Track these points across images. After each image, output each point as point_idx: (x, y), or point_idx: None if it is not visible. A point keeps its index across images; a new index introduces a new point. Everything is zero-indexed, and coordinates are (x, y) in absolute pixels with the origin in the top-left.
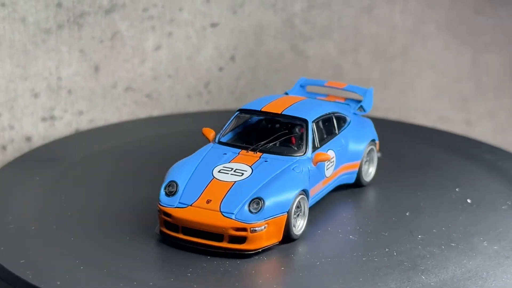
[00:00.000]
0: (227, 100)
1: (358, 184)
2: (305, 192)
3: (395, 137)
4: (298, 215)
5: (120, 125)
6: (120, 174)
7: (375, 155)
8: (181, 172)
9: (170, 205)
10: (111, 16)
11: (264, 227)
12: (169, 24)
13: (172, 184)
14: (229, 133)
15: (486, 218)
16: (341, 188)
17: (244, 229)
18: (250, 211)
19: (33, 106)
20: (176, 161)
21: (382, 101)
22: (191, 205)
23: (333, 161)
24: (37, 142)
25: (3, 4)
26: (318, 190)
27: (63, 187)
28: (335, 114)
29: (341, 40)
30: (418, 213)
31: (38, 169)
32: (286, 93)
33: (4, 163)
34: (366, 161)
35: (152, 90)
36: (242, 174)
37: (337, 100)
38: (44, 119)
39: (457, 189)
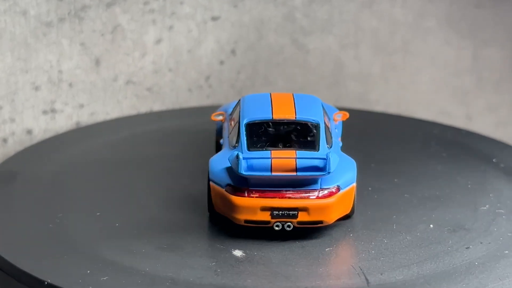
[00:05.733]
0: (228, 93)
1: None
2: None
3: (396, 131)
4: None
5: (122, 119)
6: (122, 168)
7: None
8: None
9: None
10: (112, 10)
11: None
12: (170, 18)
13: None
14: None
15: (471, 174)
16: None
17: None
18: None
19: (34, 99)
20: (175, 157)
21: (382, 95)
22: None
23: None
24: (38, 135)
25: None
26: None
27: (65, 180)
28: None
29: (342, 34)
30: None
31: (39, 162)
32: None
33: (5, 155)
34: None
35: (153, 83)
36: None
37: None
38: (45, 112)
39: (457, 179)
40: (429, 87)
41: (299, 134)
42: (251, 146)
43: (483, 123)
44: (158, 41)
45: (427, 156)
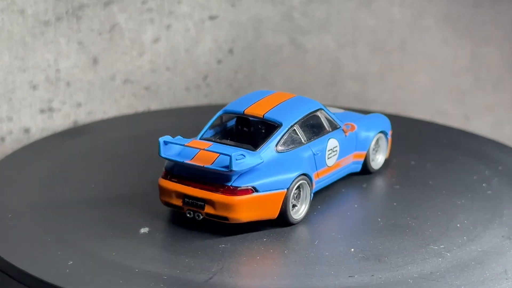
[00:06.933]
0: (226, 93)
1: None
2: None
3: (393, 131)
4: None
5: (119, 118)
6: (119, 167)
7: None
8: None
9: None
10: (110, 9)
11: None
12: (168, 17)
13: None
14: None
15: (484, 210)
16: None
17: None
18: None
19: (31, 98)
20: None
21: (380, 94)
22: None
23: None
24: (35, 133)
25: None
26: None
27: (62, 179)
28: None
29: (340, 33)
30: (418, 207)
31: (37, 160)
32: None
33: (3, 154)
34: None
35: (150, 82)
36: None
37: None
38: (42, 111)
39: (410, 154)
40: (427, 87)
41: (259, 132)
42: (206, 134)
43: (481, 123)
44: (156, 40)
45: (467, 187)
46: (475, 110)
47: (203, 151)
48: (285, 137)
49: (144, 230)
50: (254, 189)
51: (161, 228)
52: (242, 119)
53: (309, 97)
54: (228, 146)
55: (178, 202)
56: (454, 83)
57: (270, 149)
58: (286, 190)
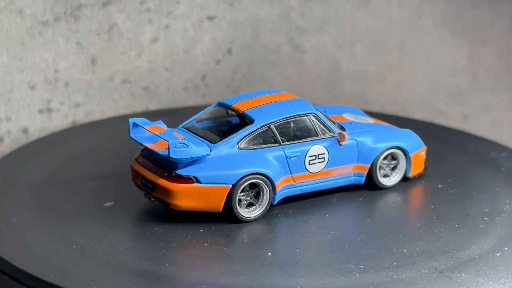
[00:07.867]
0: (224, 93)
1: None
2: None
3: (469, 152)
4: None
5: (117, 118)
6: (118, 166)
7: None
8: None
9: None
10: (108, 9)
11: None
12: (166, 17)
13: None
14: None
15: (450, 242)
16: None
17: None
18: None
19: (30, 98)
20: None
21: (378, 95)
22: None
23: None
24: (34, 134)
25: None
26: None
27: (60, 179)
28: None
29: (338, 33)
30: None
31: (35, 161)
32: None
33: (1, 154)
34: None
35: (149, 82)
36: None
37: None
38: (41, 111)
39: (449, 180)
40: (425, 87)
41: (235, 126)
42: (191, 122)
43: (479, 123)
44: (154, 40)
45: (464, 218)
46: (474, 110)
47: (147, 130)
48: (253, 135)
49: (108, 204)
50: (196, 180)
51: (124, 205)
52: (226, 112)
53: (308, 97)
54: (186, 134)
55: (139, 182)
56: (452, 83)
57: (231, 144)
58: (231, 185)
